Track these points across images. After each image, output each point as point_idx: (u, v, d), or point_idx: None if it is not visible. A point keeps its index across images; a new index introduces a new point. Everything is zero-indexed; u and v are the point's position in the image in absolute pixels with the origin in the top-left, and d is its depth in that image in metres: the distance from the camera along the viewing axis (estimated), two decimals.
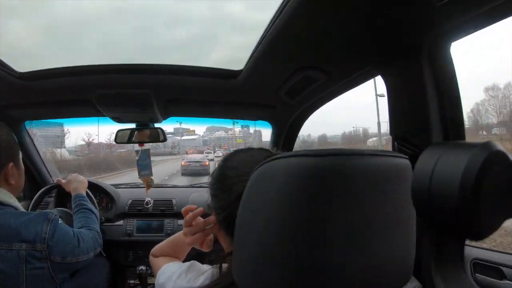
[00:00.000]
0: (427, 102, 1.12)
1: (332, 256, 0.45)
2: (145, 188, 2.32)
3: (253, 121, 2.39)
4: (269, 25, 1.10)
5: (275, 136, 2.31)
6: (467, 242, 1.30)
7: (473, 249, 1.24)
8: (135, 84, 1.59)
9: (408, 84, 1.18)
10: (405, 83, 1.20)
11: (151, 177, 2.26)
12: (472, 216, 0.39)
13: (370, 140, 30.63)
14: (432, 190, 0.41)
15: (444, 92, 1.15)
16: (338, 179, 0.46)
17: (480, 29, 1.01)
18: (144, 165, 2.21)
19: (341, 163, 0.47)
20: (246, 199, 0.54)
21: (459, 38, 1.10)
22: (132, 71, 1.51)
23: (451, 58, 1.14)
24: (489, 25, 0.98)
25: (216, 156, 29.11)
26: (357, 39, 1.17)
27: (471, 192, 0.38)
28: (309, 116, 2.17)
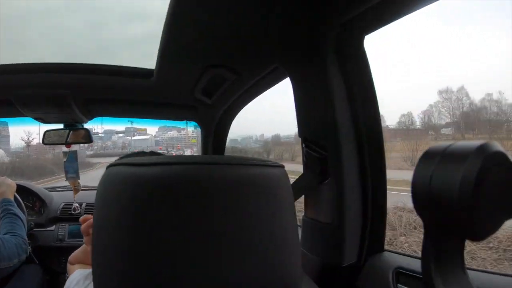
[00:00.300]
0: (332, 101, 1.09)
1: (177, 272, 0.44)
2: (82, 191, 2.27)
3: (182, 121, 2.41)
4: (164, 24, 1.06)
5: (204, 137, 2.34)
6: (391, 248, 1.34)
7: (397, 256, 1.18)
8: (52, 84, 1.53)
9: (314, 81, 1.14)
10: (311, 80, 1.16)
11: (79, 180, 2.22)
12: (472, 217, 0.39)
13: None
14: (432, 191, 0.42)
15: (356, 90, 1.13)
16: (184, 190, 0.44)
17: (392, 20, 0.97)
18: (71, 167, 2.17)
19: (192, 172, 0.45)
20: (95, 207, 0.51)
21: (372, 30, 1.06)
22: (49, 70, 1.45)
23: (365, 53, 1.11)
24: (401, 16, 0.94)
25: None
26: (258, 34, 1.13)
27: (471, 193, 0.39)
28: (235, 116, 2.18)
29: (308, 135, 1.22)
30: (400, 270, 1.08)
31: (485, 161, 0.39)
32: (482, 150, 0.40)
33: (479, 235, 0.41)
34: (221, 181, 0.46)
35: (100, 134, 24.38)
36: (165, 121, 2.45)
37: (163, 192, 0.44)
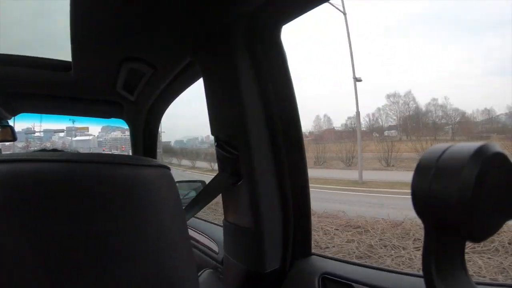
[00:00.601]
0: (243, 98, 1.02)
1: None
2: None
3: (108, 119, 2.33)
4: (70, 11, 0.97)
5: (132, 136, 2.27)
6: (319, 252, 1.29)
7: (325, 261, 1.15)
8: None
9: (224, 76, 1.07)
10: (221, 75, 1.09)
11: None
12: (472, 219, 0.39)
13: None
14: (432, 193, 0.41)
15: (271, 86, 1.06)
16: (34, 190, 0.39)
17: (310, 8, 0.91)
18: None
19: (44, 169, 0.41)
20: None
21: (289, 20, 0.99)
22: None
23: (281, 45, 1.05)
24: (319, 3, 0.89)
25: None
26: (169, 25, 1.07)
27: (471, 195, 0.38)
28: (162, 114, 2.12)
29: (219, 134, 1.16)
30: (327, 276, 1.04)
31: (484, 163, 0.39)
32: (482, 151, 0.40)
33: (480, 236, 0.41)
34: (86, 181, 0.42)
35: (38, 134, 22.21)
36: (106, 120, 2.36)
37: (10, 192, 0.39)
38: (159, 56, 1.30)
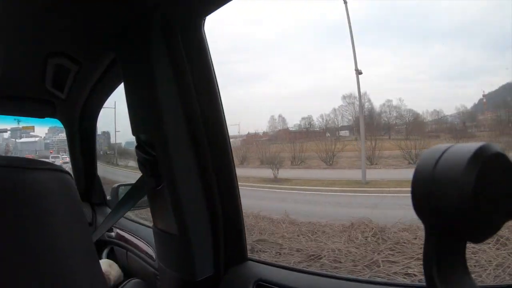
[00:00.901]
0: (159, 96, 0.97)
1: None
2: None
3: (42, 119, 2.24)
4: None
5: (68, 137, 2.22)
6: (255, 257, 1.29)
7: (261, 266, 1.13)
8: None
9: (142, 72, 1.01)
10: (139, 71, 1.03)
11: None
12: (472, 219, 0.39)
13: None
14: (432, 193, 0.41)
15: (191, 83, 1.01)
16: None
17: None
18: None
19: None
20: None
21: (210, 10, 0.94)
22: None
23: (203, 39, 1.00)
24: None
25: (64, 162, 24.85)
26: (91, 19, 1.02)
27: (471, 195, 0.38)
28: (97, 113, 2.07)
29: (139, 134, 1.11)
30: (262, 283, 1.03)
31: (484, 163, 0.39)
32: (482, 151, 0.40)
33: (480, 237, 0.41)
34: None
35: None
36: (52, 120, 2.32)
37: None
38: (82, 51, 1.28)
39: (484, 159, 0.40)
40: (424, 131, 20.56)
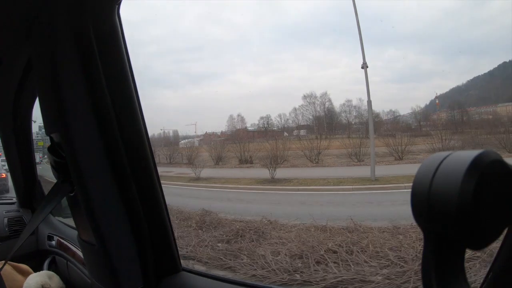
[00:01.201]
0: (67, 92, 0.92)
1: None
2: None
3: None
4: None
5: (2, 139, 2.12)
6: (189, 267, 1.29)
7: (195, 278, 1.13)
8: None
9: (52, 66, 0.95)
10: (49, 65, 0.97)
11: None
12: (471, 226, 0.39)
13: (183, 142, 31.27)
14: (431, 201, 0.41)
15: (103, 78, 0.95)
16: None
17: None
18: None
19: None
20: None
21: None
22: None
23: (117, 28, 0.95)
24: None
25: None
26: (6, 17, 1.00)
27: (470, 202, 0.38)
28: (30, 111, 1.97)
29: (52, 134, 1.04)
30: None
31: (483, 170, 0.40)
32: (480, 159, 0.40)
33: (480, 244, 0.41)
34: None
35: None
36: None
37: None
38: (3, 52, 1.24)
39: (483, 167, 0.40)
40: (381, 130, 22.00)
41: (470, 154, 0.41)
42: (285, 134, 25.94)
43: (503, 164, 0.42)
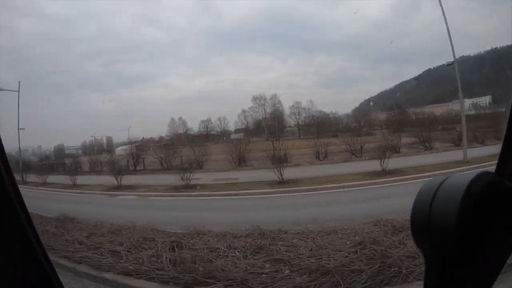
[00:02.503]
0: None
1: None
2: None
3: None
4: None
5: None
6: None
7: None
8: None
9: None
10: None
11: None
12: (472, 248, 0.40)
13: (120, 148, 29.34)
14: (431, 224, 0.42)
15: None
16: None
17: None
18: None
19: None
20: None
21: None
22: None
23: None
24: None
25: None
26: None
27: (470, 224, 0.39)
28: None
29: None
30: None
31: (481, 193, 0.40)
32: (477, 182, 0.41)
33: (483, 266, 0.42)
34: None
35: None
36: None
37: None
38: None
39: (480, 189, 0.41)
40: (326, 131, 22.35)
41: (466, 178, 0.42)
42: (225, 138, 25.32)
43: (500, 184, 0.43)
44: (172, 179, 12.70)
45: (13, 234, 0.96)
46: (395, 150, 15.94)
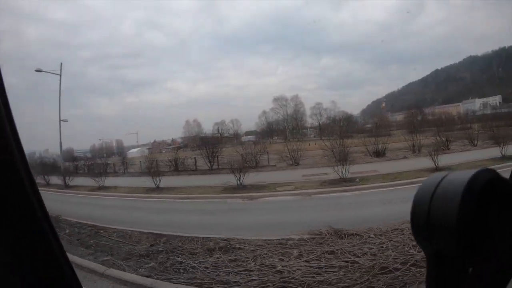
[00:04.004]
0: None
1: None
2: None
3: None
4: None
5: None
6: None
7: None
8: None
9: None
10: None
11: None
12: (473, 245, 0.40)
13: (132, 151, 29.28)
14: (431, 221, 0.42)
15: None
16: None
17: None
18: None
19: None
20: None
21: None
22: None
23: None
24: None
25: None
26: None
27: (471, 221, 0.39)
28: None
29: None
30: None
31: (481, 189, 0.41)
32: (477, 178, 0.41)
33: (484, 263, 0.41)
34: None
35: None
36: None
37: None
38: None
39: (481, 186, 0.41)
40: (351, 131, 22.31)
41: (467, 174, 0.41)
42: (236, 140, 25.29)
43: (501, 181, 0.43)
44: (214, 180, 12.82)
45: (31, 236, 0.94)
46: (445, 147, 16.88)
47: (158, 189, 13.37)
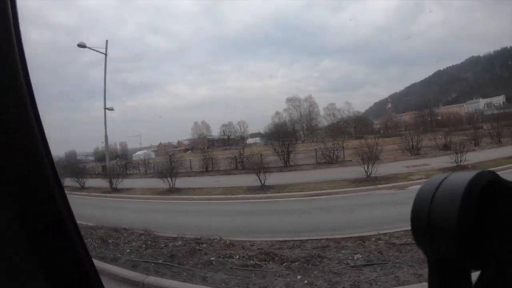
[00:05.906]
0: None
1: None
2: None
3: None
4: None
5: None
6: None
7: None
8: None
9: None
10: None
11: None
12: (474, 247, 0.40)
13: (138, 153, 29.21)
14: (432, 223, 0.42)
15: None
16: None
17: None
18: None
19: None
20: None
21: None
22: None
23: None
24: None
25: None
26: None
27: (471, 223, 0.39)
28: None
29: None
30: None
31: (481, 192, 0.40)
32: (478, 179, 0.41)
33: (479, 261, 0.41)
34: None
35: None
36: None
37: None
38: None
39: (481, 188, 0.41)
40: (365, 131, 22.27)
41: (466, 176, 0.41)
42: (245, 141, 25.24)
43: (501, 183, 0.43)
44: (337, 173, 12.61)
45: (58, 237, 0.92)
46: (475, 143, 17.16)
47: (265, 188, 11.79)
